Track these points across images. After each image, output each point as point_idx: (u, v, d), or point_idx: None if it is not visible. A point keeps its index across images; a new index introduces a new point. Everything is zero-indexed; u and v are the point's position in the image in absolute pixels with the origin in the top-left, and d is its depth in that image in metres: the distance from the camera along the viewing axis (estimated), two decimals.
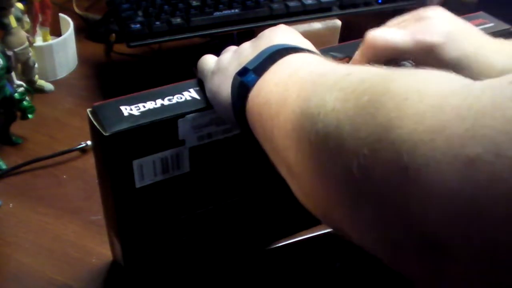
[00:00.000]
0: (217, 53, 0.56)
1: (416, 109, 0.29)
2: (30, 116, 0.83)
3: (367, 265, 0.68)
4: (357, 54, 0.58)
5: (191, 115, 0.54)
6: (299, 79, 0.41)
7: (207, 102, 0.54)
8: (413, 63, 0.55)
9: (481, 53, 0.54)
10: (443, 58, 0.53)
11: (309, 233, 0.73)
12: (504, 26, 0.72)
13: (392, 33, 0.55)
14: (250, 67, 0.48)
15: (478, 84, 0.29)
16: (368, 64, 0.57)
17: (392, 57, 0.55)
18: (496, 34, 0.67)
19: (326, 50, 0.63)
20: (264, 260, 0.70)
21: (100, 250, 0.70)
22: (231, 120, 0.51)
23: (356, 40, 0.66)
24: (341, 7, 0.99)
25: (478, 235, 0.26)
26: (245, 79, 0.47)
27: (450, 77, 0.32)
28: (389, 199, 0.30)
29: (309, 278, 0.69)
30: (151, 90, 0.56)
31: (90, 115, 0.53)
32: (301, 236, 0.73)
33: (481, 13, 0.75)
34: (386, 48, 0.55)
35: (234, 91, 0.49)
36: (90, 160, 0.80)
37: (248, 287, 0.68)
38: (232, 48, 0.54)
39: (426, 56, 0.54)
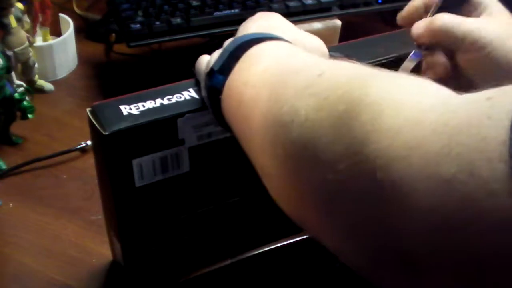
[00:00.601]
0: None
1: (392, 124, 0.29)
2: (30, 116, 0.83)
3: None
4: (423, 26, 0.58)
5: (190, 114, 0.54)
6: (268, 79, 0.40)
7: None
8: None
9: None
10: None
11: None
12: None
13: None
14: (216, 68, 0.47)
15: (456, 98, 0.29)
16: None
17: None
18: None
19: None
20: (264, 260, 0.70)
21: (100, 250, 0.70)
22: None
23: (356, 40, 0.67)
24: (341, 7, 0.99)
25: (451, 253, 0.26)
26: (212, 82, 0.47)
27: (430, 88, 0.32)
28: (364, 213, 0.29)
29: (309, 278, 0.68)
30: (151, 89, 0.56)
31: (89, 115, 0.53)
32: (301, 236, 0.73)
33: None
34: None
35: (206, 95, 0.49)
36: (90, 160, 0.80)
37: (248, 286, 0.68)
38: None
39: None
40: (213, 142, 0.57)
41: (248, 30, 0.50)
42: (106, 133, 0.50)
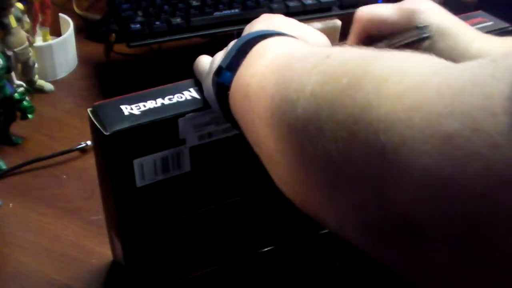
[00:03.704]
0: (215, 53, 0.56)
1: (395, 89, 0.29)
2: (30, 116, 0.83)
3: (367, 265, 0.68)
4: (351, 34, 0.61)
5: (191, 114, 0.54)
6: (276, 66, 0.41)
7: (207, 102, 0.54)
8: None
9: (460, 29, 0.56)
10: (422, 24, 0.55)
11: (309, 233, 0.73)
12: (503, 24, 0.72)
13: (378, 6, 0.58)
14: (224, 65, 0.48)
15: (459, 65, 0.29)
16: (355, 45, 0.60)
17: (380, 31, 0.58)
18: (495, 32, 0.68)
19: None
20: (264, 260, 0.70)
21: (100, 250, 0.70)
22: (225, 121, 0.51)
23: None
24: (341, 7, 0.99)
25: (456, 214, 0.25)
26: (221, 79, 0.47)
27: (432, 59, 0.32)
28: (367, 182, 0.30)
29: (309, 278, 0.68)
30: (152, 89, 0.56)
31: (90, 115, 0.53)
32: (301, 236, 0.73)
33: (480, 12, 0.75)
34: (372, 20, 0.58)
35: (215, 93, 0.49)
36: (90, 160, 0.80)
37: (248, 286, 0.68)
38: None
39: (408, 24, 0.56)
40: (214, 142, 0.57)
41: (254, 30, 0.50)
42: (107, 133, 0.50)
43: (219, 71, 0.48)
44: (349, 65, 0.34)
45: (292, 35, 0.49)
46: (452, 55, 0.54)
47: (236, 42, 0.48)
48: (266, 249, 0.71)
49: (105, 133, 0.50)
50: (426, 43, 0.55)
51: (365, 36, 0.60)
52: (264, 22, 0.52)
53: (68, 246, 0.70)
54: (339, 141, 0.31)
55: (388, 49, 0.52)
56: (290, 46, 0.45)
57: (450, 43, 0.55)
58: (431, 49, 0.55)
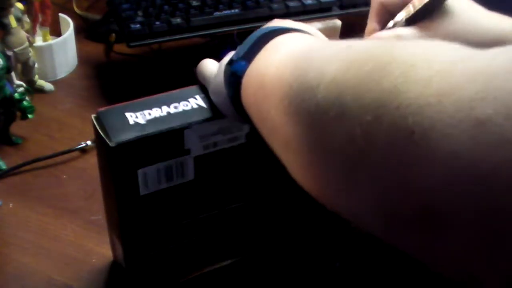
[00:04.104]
0: (217, 54, 0.56)
1: (424, 75, 0.29)
2: (30, 116, 0.83)
3: (367, 265, 0.68)
4: (369, 20, 0.62)
5: (197, 125, 0.54)
6: (293, 57, 0.41)
7: (213, 111, 0.54)
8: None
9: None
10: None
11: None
12: None
13: None
14: (240, 55, 0.48)
15: (489, 50, 0.29)
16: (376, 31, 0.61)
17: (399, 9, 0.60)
18: None
19: None
20: (264, 260, 0.71)
21: (100, 250, 0.70)
22: (234, 116, 0.51)
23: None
24: (341, 7, 0.99)
25: (481, 201, 0.25)
26: (234, 67, 0.47)
27: (458, 46, 0.32)
28: (390, 167, 0.29)
29: (309, 278, 0.69)
30: (157, 95, 0.56)
31: (95, 122, 0.52)
32: (301, 237, 0.73)
33: None
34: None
35: (226, 81, 0.49)
36: (90, 160, 0.81)
37: (248, 286, 0.69)
38: None
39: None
40: (218, 151, 0.57)
41: (271, 25, 0.51)
42: (112, 145, 0.50)
43: (233, 60, 0.48)
44: (372, 52, 0.34)
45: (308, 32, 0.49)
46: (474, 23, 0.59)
47: (254, 34, 0.48)
48: (266, 249, 0.71)
49: (110, 144, 0.50)
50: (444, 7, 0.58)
51: (384, 13, 0.61)
52: (276, 23, 0.52)
53: (68, 246, 0.71)
54: (363, 126, 0.30)
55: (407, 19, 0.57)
56: (307, 41, 0.45)
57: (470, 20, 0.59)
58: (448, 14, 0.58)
